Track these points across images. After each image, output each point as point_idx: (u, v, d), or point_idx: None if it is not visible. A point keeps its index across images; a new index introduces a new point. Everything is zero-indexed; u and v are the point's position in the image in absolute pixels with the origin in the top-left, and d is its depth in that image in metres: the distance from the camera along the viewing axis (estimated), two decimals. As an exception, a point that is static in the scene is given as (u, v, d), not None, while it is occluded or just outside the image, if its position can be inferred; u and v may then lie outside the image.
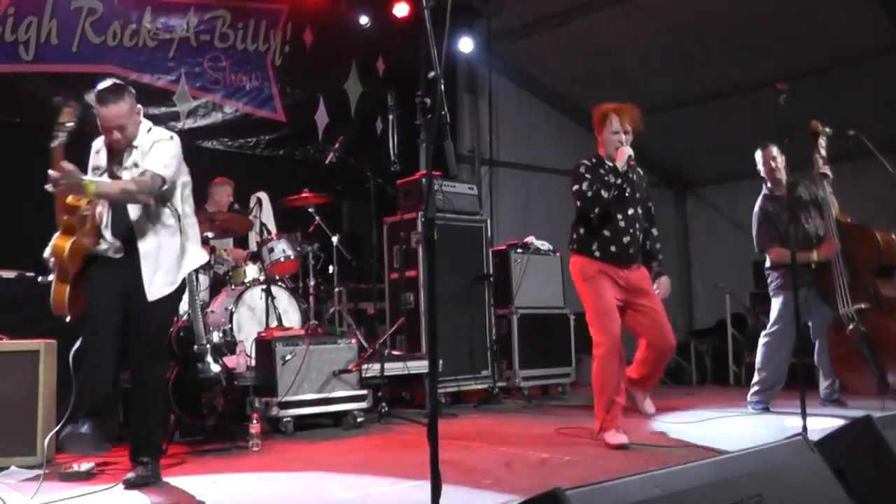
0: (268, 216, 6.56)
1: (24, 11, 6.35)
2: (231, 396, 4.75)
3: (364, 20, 8.33)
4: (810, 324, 5.66)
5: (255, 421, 4.68)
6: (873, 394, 5.13)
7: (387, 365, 5.81)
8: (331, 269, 6.69)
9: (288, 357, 5.22)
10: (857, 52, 7.71)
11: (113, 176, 3.85)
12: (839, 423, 2.91)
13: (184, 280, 3.97)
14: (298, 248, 6.20)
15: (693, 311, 10.99)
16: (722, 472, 2.17)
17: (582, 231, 4.68)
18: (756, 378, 5.76)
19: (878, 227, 5.47)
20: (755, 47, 7.92)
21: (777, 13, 7.52)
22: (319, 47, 8.21)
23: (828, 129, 5.41)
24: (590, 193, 4.50)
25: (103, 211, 3.90)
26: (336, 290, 6.74)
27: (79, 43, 6.65)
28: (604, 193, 4.49)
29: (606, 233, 4.59)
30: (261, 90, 7.82)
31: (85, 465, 3.95)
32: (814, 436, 2.59)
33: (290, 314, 6.01)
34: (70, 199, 3.69)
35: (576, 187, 4.59)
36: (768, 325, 5.74)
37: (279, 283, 6.11)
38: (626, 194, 4.63)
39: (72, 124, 3.55)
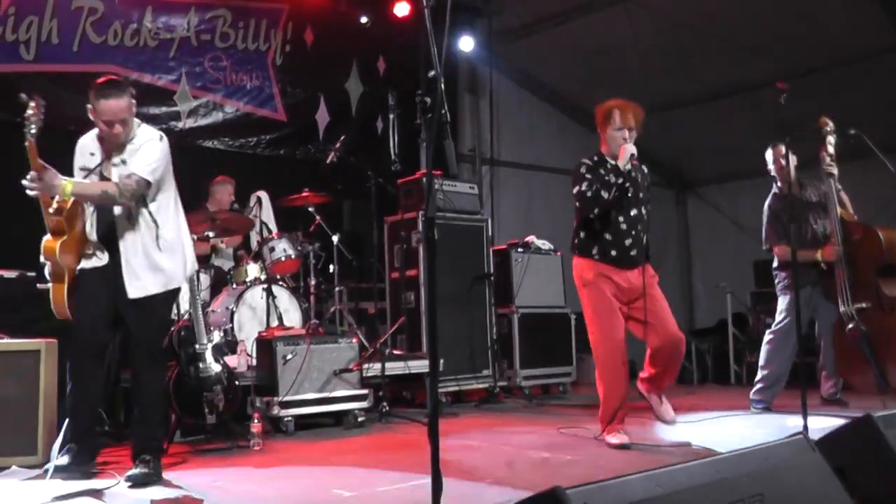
0: (268, 215, 6.56)
1: (24, 11, 6.35)
2: (232, 396, 4.75)
3: (364, 19, 8.33)
4: (817, 323, 5.67)
5: (256, 420, 4.68)
6: (874, 393, 5.13)
7: (388, 364, 5.82)
8: (331, 268, 6.69)
9: (289, 356, 5.22)
10: (857, 52, 7.71)
11: (102, 174, 3.84)
12: (840, 422, 2.91)
13: (176, 286, 3.98)
14: (299, 248, 6.20)
15: (694, 310, 10.99)
16: (723, 472, 2.18)
17: (583, 235, 4.62)
18: (759, 375, 5.78)
19: (880, 226, 5.46)
20: (755, 47, 7.92)
21: (777, 13, 7.53)
22: (320, 47, 8.21)
23: (829, 129, 5.40)
24: (589, 194, 4.44)
25: (88, 211, 3.90)
26: (337, 289, 6.74)
27: (79, 42, 6.65)
28: (604, 194, 4.42)
29: (608, 236, 4.52)
30: (261, 90, 7.82)
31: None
32: (814, 435, 2.59)
33: (291, 313, 6.01)
34: (49, 199, 3.70)
35: (576, 188, 4.53)
36: (773, 323, 5.76)
37: (280, 283, 6.12)
38: (629, 194, 4.54)
39: (39, 119, 3.56)
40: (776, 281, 5.81)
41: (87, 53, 6.69)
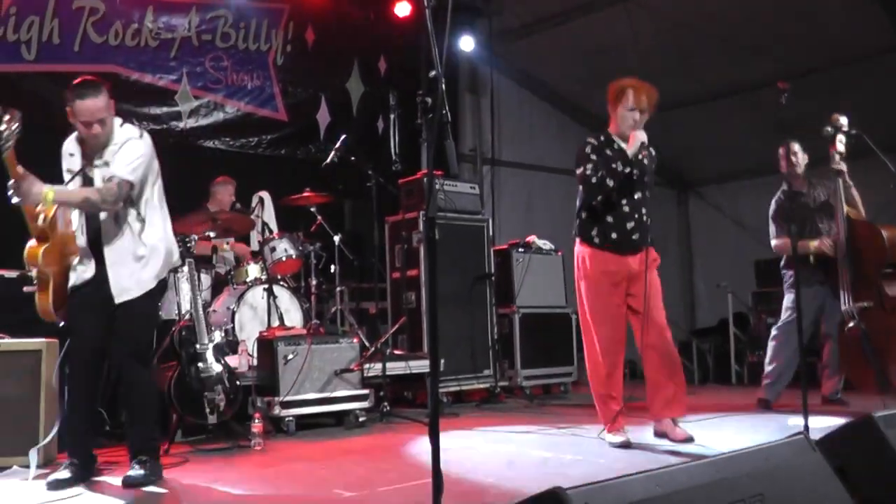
0: (270, 215, 6.56)
1: (25, 11, 6.36)
2: (233, 396, 4.75)
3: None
4: (824, 321, 5.68)
5: (256, 420, 4.69)
6: (875, 392, 5.13)
7: (388, 364, 5.82)
8: (332, 268, 6.69)
9: (290, 356, 5.22)
10: (857, 52, 7.71)
11: (86, 176, 3.82)
12: (840, 421, 2.91)
13: (161, 281, 3.97)
14: (300, 248, 6.20)
15: (695, 310, 11.00)
16: (723, 471, 2.17)
17: (584, 215, 4.43)
18: (766, 371, 5.81)
19: (884, 225, 5.45)
20: (755, 47, 7.92)
21: (777, 13, 7.53)
22: (321, 46, 8.21)
23: (829, 129, 5.40)
24: (594, 180, 4.25)
25: (75, 214, 3.90)
26: (338, 289, 6.74)
27: (80, 42, 6.66)
28: (609, 182, 4.24)
29: (609, 219, 4.34)
30: (262, 89, 7.82)
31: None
32: (815, 435, 2.59)
33: (292, 313, 6.02)
34: (32, 207, 3.70)
35: (580, 170, 4.32)
36: (779, 320, 5.77)
37: (281, 283, 6.12)
38: (633, 178, 4.34)
39: (17, 128, 3.54)
40: (784, 279, 5.83)
41: (88, 53, 6.69)
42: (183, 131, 7.24)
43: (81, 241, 3.86)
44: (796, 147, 5.70)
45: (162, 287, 4.04)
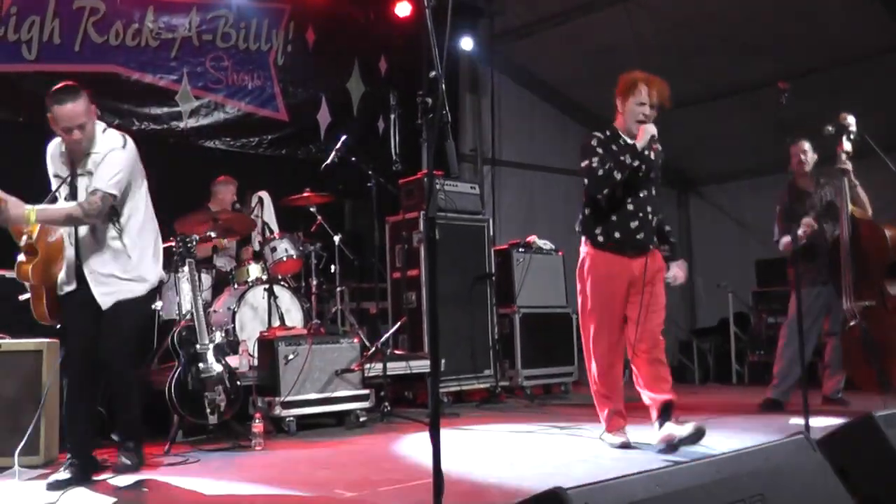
0: (270, 216, 6.56)
1: (26, 11, 6.36)
2: (234, 396, 4.75)
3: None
4: (829, 320, 5.69)
5: (257, 420, 4.69)
6: (877, 391, 5.13)
7: (389, 364, 5.82)
8: (333, 268, 6.69)
9: (290, 356, 5.22)
10: (857, 52, 7.71)
11: (72, 185, 3.82)
12: (841, 421, 2.91)
13: (151, 288, 4.02)
14: (301, 248, 6.21)
15: (696, 309, 11.00)
16: (723, 471, 2.17)
17: (587, 212, 4.32)
18: (775, 370, 5.83)
19: (887, 224, 5.44)
20: (755, 47, 7.92)
21: (777, 13, 7.53)
22: (322, 47, 8.22)
23: (830, 128, 5.40)
24: (601, 172, 4.10)
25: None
26: (338, 289, 6.74)
27: (81, 42, 6.66)
28: (616, 175, 4.10)
29: (613, 217, 4.22)
30: (263, 89, 7.83)
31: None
32: (816, 434, 2.59)
33: (293, 313, 6.02)
34: (18, 228, 3.73)
35: (585, 163, 4.17)
36: (786, 319, 5.82)
37: (282, 283, 6.12)
38: (640, 174, 4.22)
39: None
40: (791, 278, 5.84)
41: (88, 53, 6.69)
42: (183, 131, 7.25)
43: (70, 251, 3.88)
44: (806, 146, 5.71)
45: (152, 292, 4.08)
